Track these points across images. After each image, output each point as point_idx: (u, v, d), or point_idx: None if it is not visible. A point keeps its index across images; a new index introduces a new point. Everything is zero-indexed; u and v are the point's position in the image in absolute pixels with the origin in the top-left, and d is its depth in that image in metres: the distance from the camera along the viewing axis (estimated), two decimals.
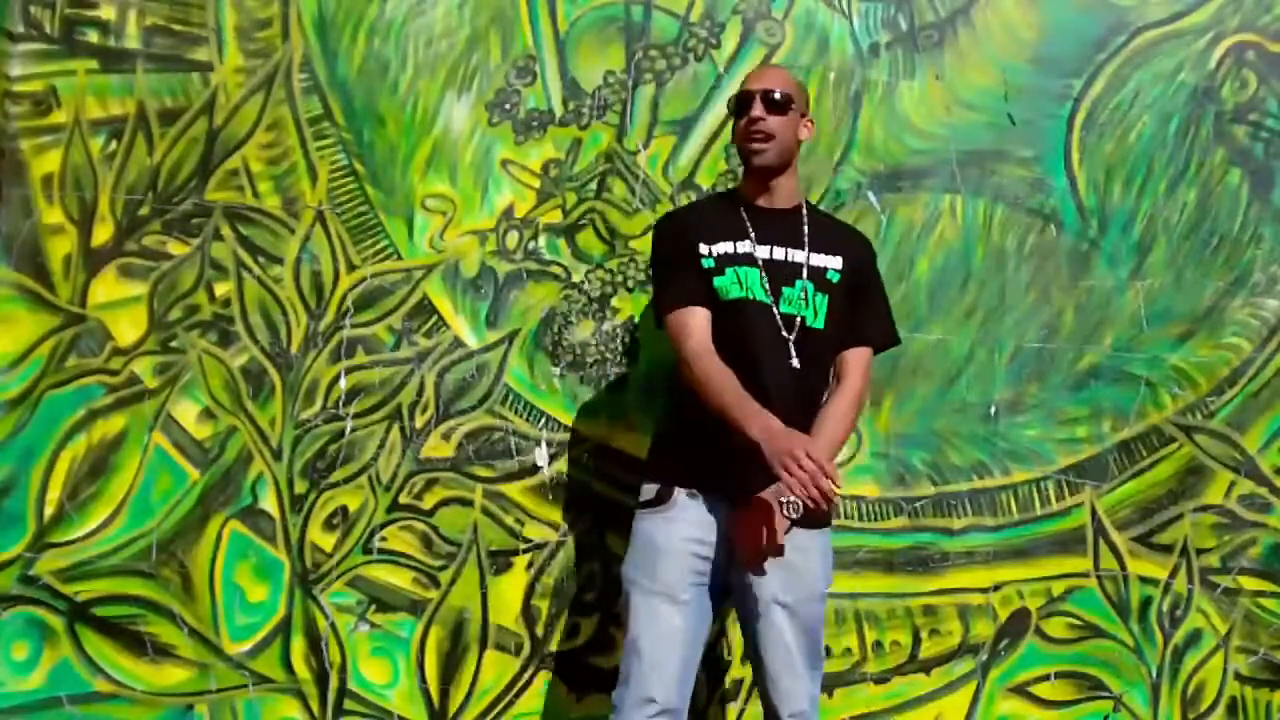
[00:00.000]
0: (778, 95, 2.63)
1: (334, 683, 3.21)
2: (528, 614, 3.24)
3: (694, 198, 3.23)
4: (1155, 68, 3.34)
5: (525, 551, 3.24)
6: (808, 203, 2.77)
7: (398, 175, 3.27)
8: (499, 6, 3.28)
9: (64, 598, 3.18)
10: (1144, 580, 3.30)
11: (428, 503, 3.23)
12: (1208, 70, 3.35)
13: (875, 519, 3.27)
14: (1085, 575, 3.29)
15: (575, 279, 3.27)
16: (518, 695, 3.23)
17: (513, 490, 3.24)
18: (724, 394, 2.48)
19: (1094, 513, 3.30)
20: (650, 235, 2.86)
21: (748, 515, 2.53)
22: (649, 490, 2.66)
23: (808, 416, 2.59)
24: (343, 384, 3.23)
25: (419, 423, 3.24)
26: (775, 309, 2.61)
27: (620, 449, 3.21)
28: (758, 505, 2.52)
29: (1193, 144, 3.34)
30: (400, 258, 3.26)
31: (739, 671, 3.21)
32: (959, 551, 3.28)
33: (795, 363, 2.59)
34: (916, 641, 3.27)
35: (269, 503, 3.22)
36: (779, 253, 2.65)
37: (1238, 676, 3.31)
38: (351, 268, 3.25)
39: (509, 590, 3.23)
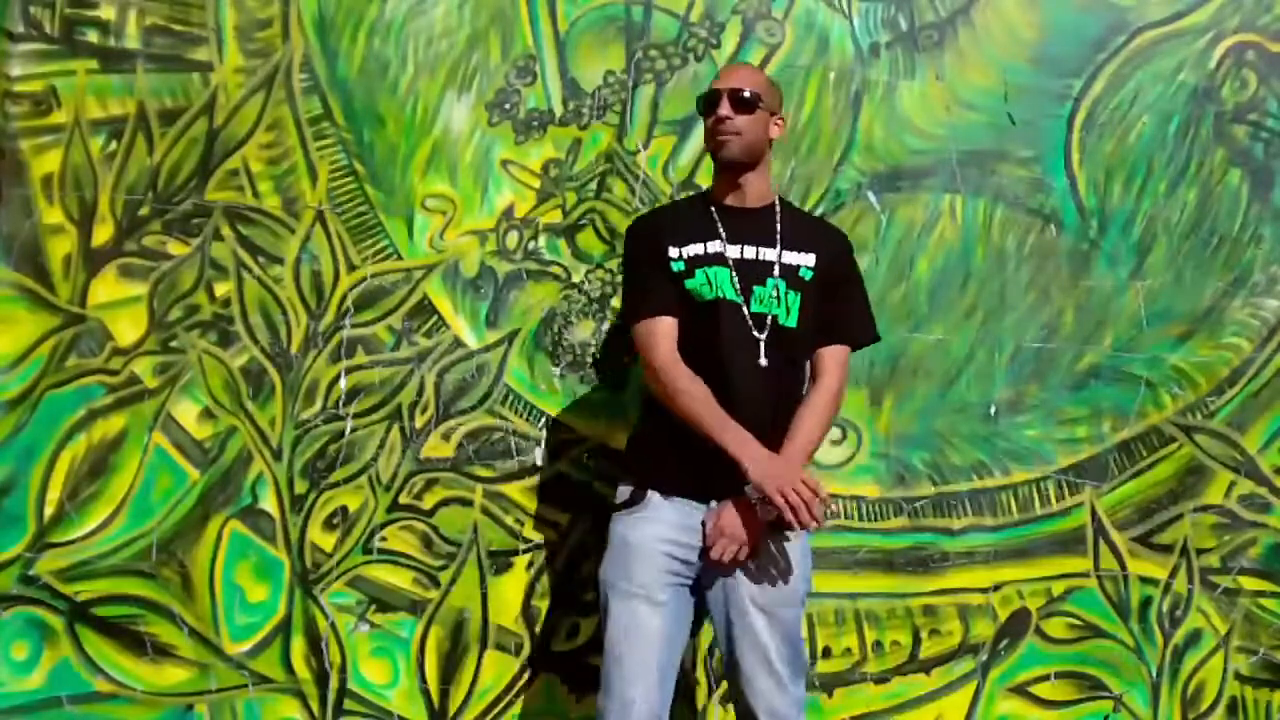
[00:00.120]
0: (745, 94, 2.62)
1: (334, 683, 3.21)
2: (528, 614, 3.24)
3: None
4: (1155, 68, 3.34)
5: (525, 551, 3.24)
6: (782, 200, 2.75)
7: (398, 175, 3.27)
8: (499, 6, 3.28)
9: (64, 598, 3.18)
10: (1144, 580, 3.30)
11: (428, 503, 3.23)
12: (1208, 70, 3.35)
13: (875, 519, 3.27)
14: (1085, 575, 3.29)
15: (575, 279, 3.27)
16: (518, 695, 3.23)
17: (513, 490, 3.24)
18: (698, 408, 2.52)
19: (1094, 513, 3.30)
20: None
21: (722, 515, 2.52)
22: (624, 492, 2.66)
23: (780, 415, 2.58)
24: (343, 384, 3.23)
25: (419, 423, 3.24)
26: (746, 308, 2.60)
27: (620, 449, 3.21)
28: (733, 505, 2.51)
29: (1193, 144, 3.34)
30: (400, 258, 3.26)
31: None
32: (959, 551, 3.28)
33: (764, 361, 2.58)
34: (917, 641, 3.27)
35: (269, 503, 3.22)
36: (750, 251, 2.64)
37: (1238, 676, 3.31)
38: (351, 268, 3.25)
39: (509, 590, 3.23)
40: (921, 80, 3.32)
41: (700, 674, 3.23)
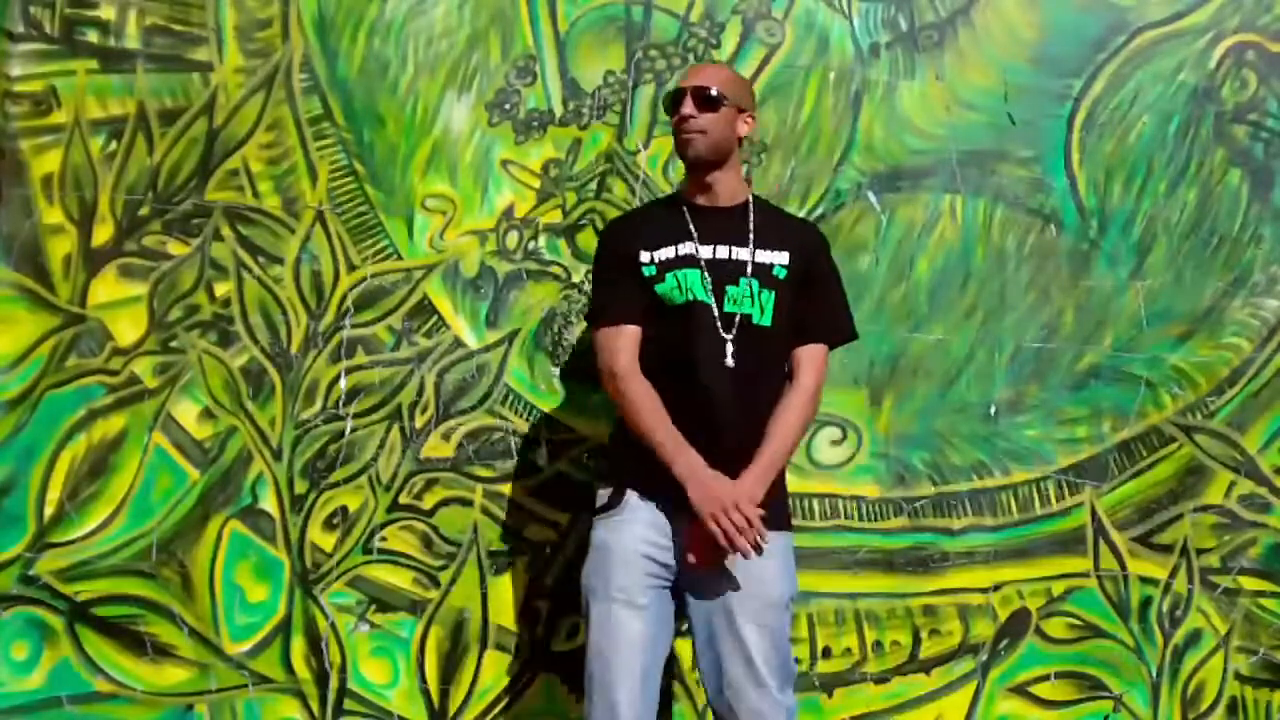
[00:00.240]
0: (708, 92, 2.60)
1: (334, 683, 3.21)
2: (528, 614, 3.24)
3: None
4: (1155, 68, 3.34)
5: (525, 551, 3.24)
6: (756, 198, 2.73)
7: (398, 175, 3.27)
8: (499, 6, 3.28)
9: (64, 598, 3.18)
10: (1144, 580, 3.30)
11: (428, 503, 3.23)
12: (1208, 70, 3.35)
13: (875, 519, 3.27)
14: (1085, 575, 3.29)
15: (575, 279, 3.27)
16: (518, 695, 3.23)
17: (513, 490, 3.24)
18: (650, 422, 2.53)
19: (1094, 513, 3.30)
20: None
21: (701, 521, 2.48)
22: (602, 495, 2.64)
23: (750, 416, 2.56)
24: (343, 384, 3.23)
25: (419, 423, 3.24)
26: (716, 309, 2.58)
27: None
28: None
29: (1193, 144, 3.34)
30: (400, 258, 3.26)
31: None
32: (959, 551, 3.28)
33: (730, 362, 2.56)
34: (916, 641, 3.27)
35: (269, 503, 3.22)
36: (722, 251, 2.62)
37: (1238, 676, 3.30)
38: (351, 268, 3.25)
39: (509, 590, 3.23)
40: (921, 80, 3.32)
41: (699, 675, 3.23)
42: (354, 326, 3.25)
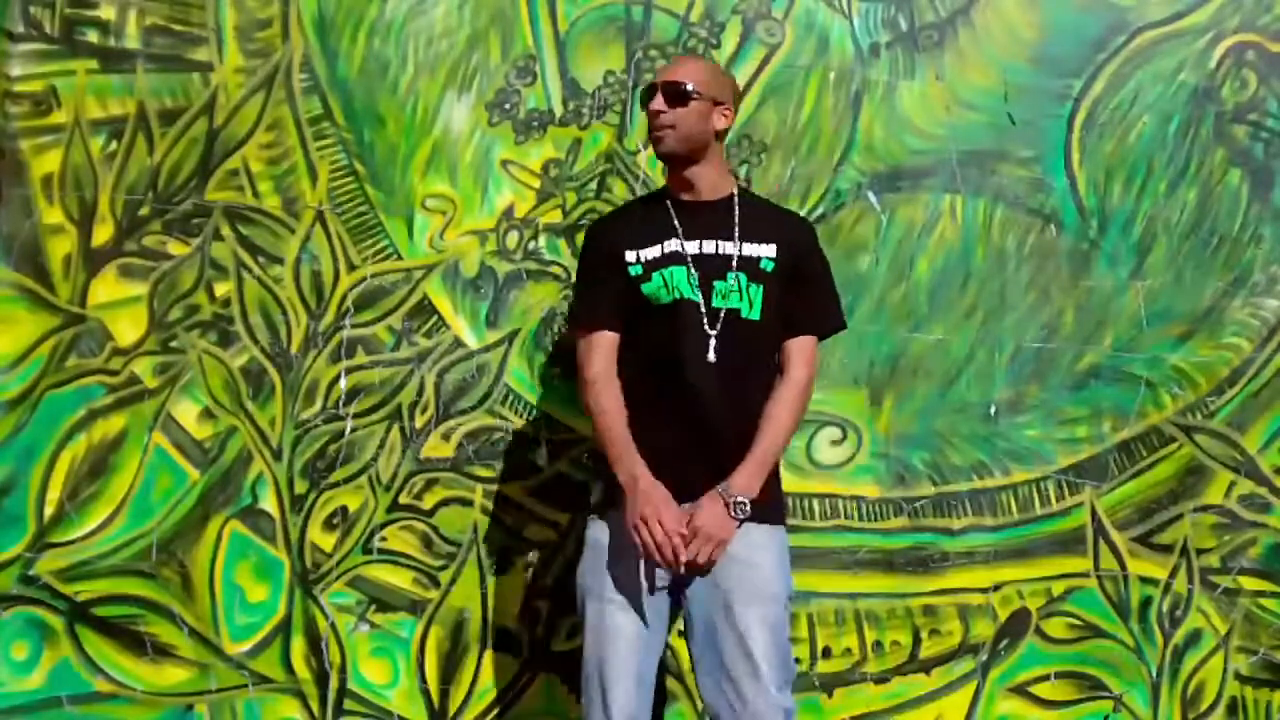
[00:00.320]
0: (679, 87, 2.57)
1: (334, 683, 3.21)
2: (528, 614, 3.24)
3: None
4: (1155, 68, 3.34)
5: (525, 552, 3.24)
6: (742, 190, 2.71)
7: (398, 175, 3.27)
8: (499, 6, 3.28)
9: (64, 598, 3.18)
10: (1144, 580, 3.30)
11: (428, 503, 3.23)
12: (1208, 70, 3.35)
13: (875, 519, 3.27)
14: (1085, 575, 3.29)
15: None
16: (518, 695, 3.23)
17: (513, 490, 3.24)
18: (609, 433, 2.54)
19: (1094, 513, 3.30)
20: None
21: (697, 515, 2.46)
22: (597, 492, 2.64)
23: (739, 412, 2.54)
24: (343, 384, 3.23)
25: (419, 423, 3.24)
26: (702, 305, 2.57)
27: None
28: (707, 504, 2.48)
29: (1193, 144, 3.34)
30: (400, 258, 3.26)
31: None
32: (959, 551, 3.28)
33: (712, 357, 2.54)
34: (916, 641, 3.27)
35: (269, 503, 3.22)
36: (709, 246, 2.60)
37: (1238, 676, 3.31)
38: (351, 268, 3.25)
39: (509, 590, 3.23)
40: (921, 80, 3.32)
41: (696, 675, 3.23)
42: (354, 326, 3.25)
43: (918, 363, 3.30)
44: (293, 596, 3.21)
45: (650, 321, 2.60)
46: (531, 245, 3.27)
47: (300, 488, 3.22)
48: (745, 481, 2.50)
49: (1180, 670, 3.30)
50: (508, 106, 3.28)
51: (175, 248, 3.24)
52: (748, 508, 2.47)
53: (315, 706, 3.20)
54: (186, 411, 3.22)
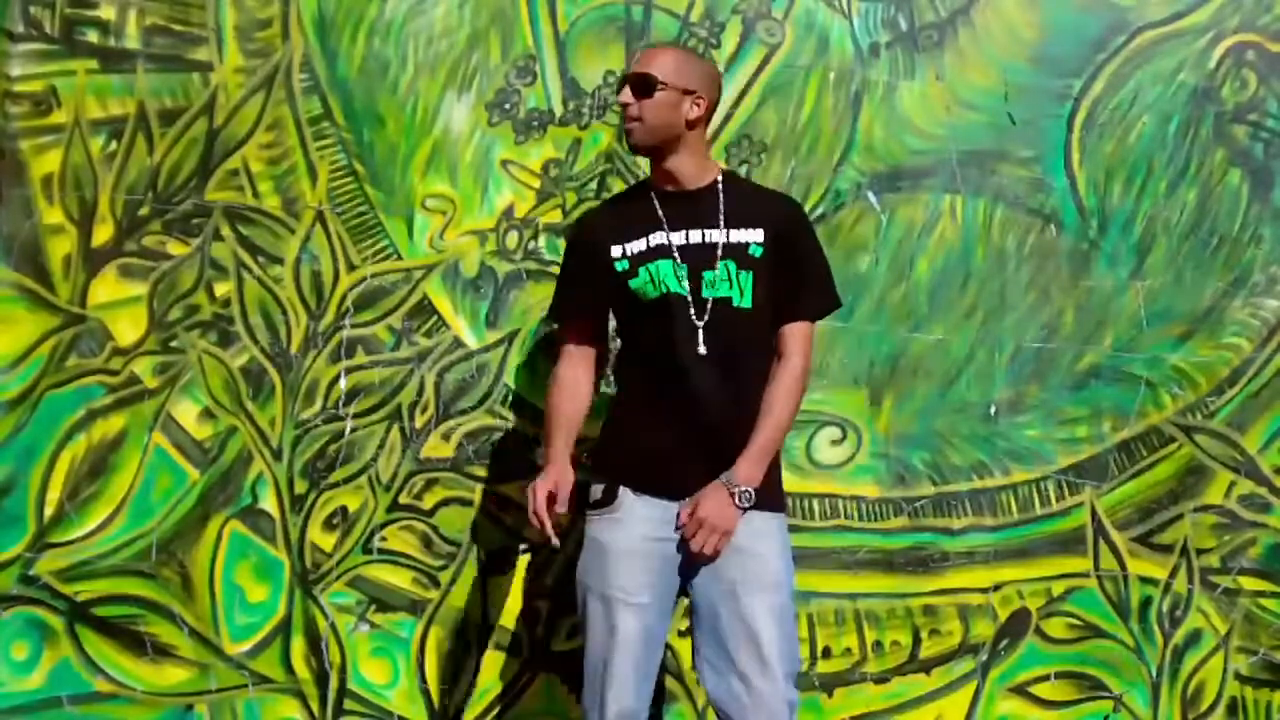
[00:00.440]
0: (645, 78, 2.53)
1: (334, 683, 3.21)
2: (528, 614, 3.24)
3: None
4: (1155, 68, 3.34)
5: (525, 552, 3.24)
6: (728, 174, 2.68)
7: (398, 175, 3.27)
8: (499, 6, 3.28)
9: (64, 598, 3.18)
10: (1144, 580, 3.30)
11: (428, 503, 3.23)
12: (1208, 70, 3.34)
13: (875, 519, 3.27)
14: (1085, 575, 3.29)
15: None
16: (518, 695, 3.23)
17: (513, 490, 3.24)
18: (546, 421, 2.70)
19: (1094, 513, 3.30)
20: None
21: (700, 505, 2.47)
22: (595, 490, 2.62)
23: (734, 404, 2.53)
24: (342, 384, 3.23)
25: (419, 423, 3.24)
26: (690, 297, 2.55)
27: None
28: (710, 494, 2.48)
29: (1193, 144, 3.34)
30: (400, 258, 3.26)
31: None
32: (959, 551, 3.28)
33: (702, 350, 2.53)
34: (916, 641, 3.27)
35: (269, 503, 3.22)
36: (695, 235, 2.58)
37: (1238, 677, 3.31)
38: (351, 268, 3.25)
39: (509, 590, 3.23)
40: (921, 80, 3.32)
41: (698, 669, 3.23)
42: (354, 326, 3.25)
43: (918, 363, 3.30)
44: (293, 596, 3.21)
45: (641, 318, 2.60)
46: (531, 245, 3.27)
47: (300, 488, 3.22)
48: (748, 471, 2.50)
49: (1180, 670, 3.30)
50: (508, 106, 3.28)
51: (175, 248, 3.24)
52: (752, 497, 2.47)
53: (315, 707, 3.20)
54: (186, 411, 3.22)
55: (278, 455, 3.22)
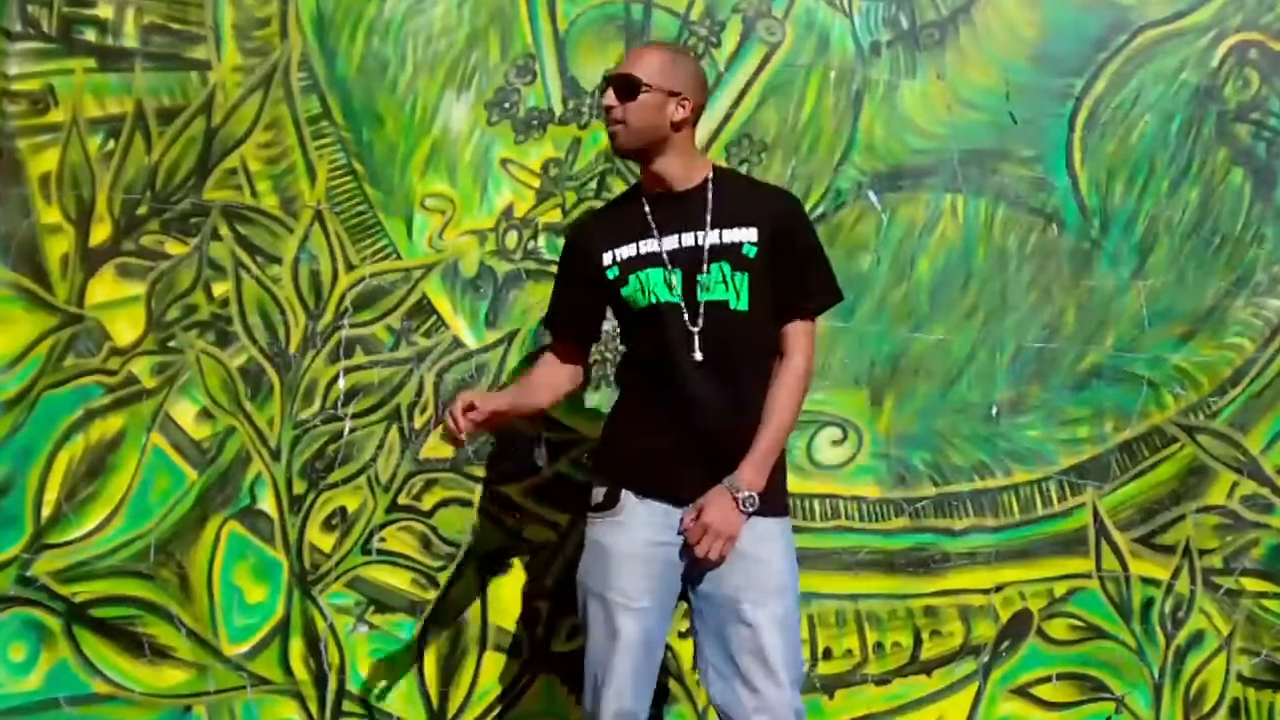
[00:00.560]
0: (628, 80, 2.49)
1: (333, 684, 3.20)
2: (528, 614, 3.23)
3: None
4: (1157, 67, 3.33)
5: (525, 552, 3.23)
6: (719, 171, 2.61)
7: (397, 175, 3.26)
8: (498, 5, 3.27)
9: (62, 599, 3.18)
10: (1146, 581, 3.29)
11: (427, 503, 3.23)
12: (1210, 69, 3.34)
13: (876, 519, 3.26)
14: (1087, 576, 3.28)
15: None
16: (518, 696, 3.23)
17: (513, 490, 3.23)
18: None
19: (1096, 513, 3.29)
20: None
21: (705, 510, 2.45)
22: (597, 493, 2.60)
23: (733, 409, 2.50)
24: (341, 384, 3.23)
25: (418, 423, 3.23)
26: (684, 302, 2.51)
27: None
28: (714, 499, 2.46)
29: (1195, 143, 3.33)
30: (399, 257, 3.25)
31: None
32: (960, 552, 3.27)
33: (698, 356, 2.49)
34: (918, 643, 3.26)
35: (267, 503, 3.21)
36: (687, 239, 2.53)
37: (1240, 678, 3.30)
38: (350, 267, 3.25)
39: (509, 590, 3.23)
40: (922, 79, 3.31)
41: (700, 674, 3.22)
42: (353, 326, 3.24)
43: (919, 363, 3.29)
44: (291, 597, 3.21)
45: (636, 325, 2.58)
46: (531, 245, 3.27)
47: (299, 488, 3.22)
48: (751, 475, 2.47)
49: (1182, 672, 3.29)
50: (507, 105, 3.28)
51: (173, 247, 3.23)
52: (756, 501, 2.45)
53: (314, 708, 3.20)
54: (184, 412, 3.21)
55: (276, 456, 3.22)
